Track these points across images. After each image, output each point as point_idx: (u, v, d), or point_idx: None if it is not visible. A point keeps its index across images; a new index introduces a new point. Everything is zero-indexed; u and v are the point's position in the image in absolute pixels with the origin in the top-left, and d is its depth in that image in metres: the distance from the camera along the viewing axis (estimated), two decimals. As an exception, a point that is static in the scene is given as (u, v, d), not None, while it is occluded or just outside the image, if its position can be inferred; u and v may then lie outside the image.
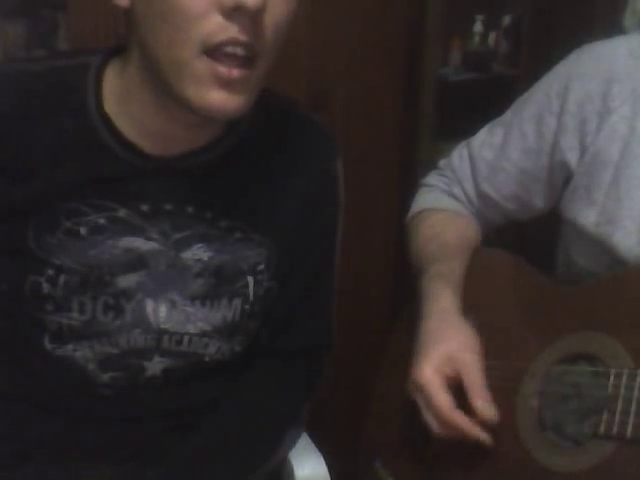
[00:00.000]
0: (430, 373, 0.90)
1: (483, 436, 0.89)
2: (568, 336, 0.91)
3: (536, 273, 1.01)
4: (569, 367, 0.90)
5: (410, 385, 0.92)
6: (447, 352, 0.91)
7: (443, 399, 0.89)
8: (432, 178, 1.15)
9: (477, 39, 2.05)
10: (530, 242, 1.17)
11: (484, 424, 0.88)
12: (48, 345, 0.88)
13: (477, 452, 0.90)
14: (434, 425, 0.90)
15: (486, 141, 1.07)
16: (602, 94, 0.93)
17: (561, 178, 0.99)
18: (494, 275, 1.04)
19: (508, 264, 1.03)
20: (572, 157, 0.96)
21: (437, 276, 1.00)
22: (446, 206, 1.11)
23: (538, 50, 1.85)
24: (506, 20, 2.05)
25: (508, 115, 1.06)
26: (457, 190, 1.11)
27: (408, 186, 1.88)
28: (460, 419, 0.88)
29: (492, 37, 2.07)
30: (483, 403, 0.88)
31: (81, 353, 0.88)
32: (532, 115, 1.00)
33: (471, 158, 1.08)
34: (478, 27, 2.04)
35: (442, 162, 1.15)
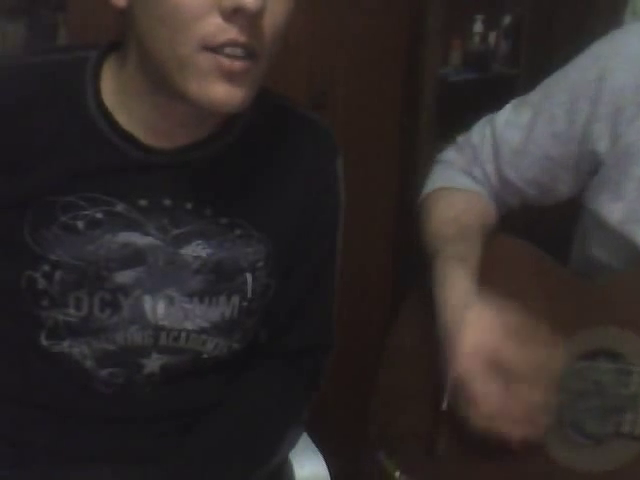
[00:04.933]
0: (468, 360, 0.85)
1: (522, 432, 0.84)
2: (588, 331, 0.87)
3: (554, 264, 0.96)
4: (590, 363, 0.87)
5: (449, 380, 0.87)
6: (474, 344, 0.86)
7: (487, 390, 0.84)
8: (450, 154, 1.08)
9: (477, 39, 2.05)
10: (541, 231, 1.13)
11: (530, 409, 0.84)
12: (44, 342, 0.88)
13: (490, 446, 0.88)
14: (477, 423, 0.85)
15: (511, 121, 1.00)
16: None
17: (589, 167, 0.94)
18: (509, 264, 0.99)
19: (524, 253, 0.99)
20: (602, 147, 0.90)
21: (452, 259, 0.94)
22: (464, 186, 1.05)
23: (538, 50, 1.85)
24: (506, 20, 2.05)
25: (537, 95, 0.99)
26: (477, 171, 1.04)
27: (408, 186, 1.89)
28: (503, 414, 0.84)
29: (492, 37, 2.07)
30: (528, 386, 0.83)
31: (78, 350, 0.88)
32: (565, 99, 0.94)
33: (494, 138, 1.02)
34: (478, 27, 2.04)
35: (461, 138, 1.08)
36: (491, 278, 0.95)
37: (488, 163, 1.03)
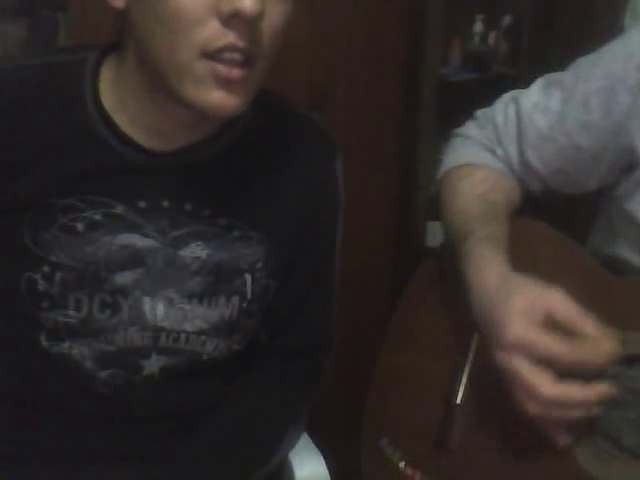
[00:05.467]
0: (521, 326, 0.77)
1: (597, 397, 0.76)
2: (621, 333, 0.80)
3: (587, 257, 0.91)
4: (626, 370, 0.81)
5: (499, 354, 0.79)
6: (528, 299, 0.78)
7: (541, 375, 0.75)
8: (470, 129, 1.02)
9: (477, 39, 2.05)
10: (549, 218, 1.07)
11: (601, 356, 0.76)
12: (44, 343, 0.88)
13: (509, 446, 0.83)
14: (531, 405, 0.77)
15: (540, 103, 0.93)
16: None
17: (623, 162, 0.87)
18: (536, 251, 0.92)
19: (554, 241, 0.93)
20: None
21: (485, 239, 0.88)
22: (488, 163, 0.99)
23: (538, 50, 1.85)
24: (506, 20, 2.05)
25: (569, 77, 0.92)
26: (499, 151, 0.98)
27: (408, 186, 1.89)
28: (562, 396, 0.76)
29: (492, 37, 2.07)
30: (594, 327, 0.76)
31: (78, 351, 0.88)
32: (601, 86, 0.87)
33: (519, 119, 0.95)
34: (478, 27, 2.04)
35: (480, 113, 1.02)
36: (514, 265, 0.87)
37: (511, 145, 0.97)
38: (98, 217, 0.85)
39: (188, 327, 0.90)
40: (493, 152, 0.99)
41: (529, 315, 0.77)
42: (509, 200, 0.96)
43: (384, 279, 1.93)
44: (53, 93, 0.86)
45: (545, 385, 0.76)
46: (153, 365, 0.91)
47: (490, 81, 2.00)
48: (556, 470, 0.84)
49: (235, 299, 0.91)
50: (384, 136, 1.86)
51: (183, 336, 0.90)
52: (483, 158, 0.99)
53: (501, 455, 0.88)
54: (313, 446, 1.07)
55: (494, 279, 0.83)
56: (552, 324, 0.77)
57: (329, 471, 1.05)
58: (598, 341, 0.76)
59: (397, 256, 1.92)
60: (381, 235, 1.91)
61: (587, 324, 0.76)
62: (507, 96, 1.00)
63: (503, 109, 0.98)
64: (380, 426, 1.04)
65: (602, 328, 0.76)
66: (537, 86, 0.96)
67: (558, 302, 0.78)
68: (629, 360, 0.81)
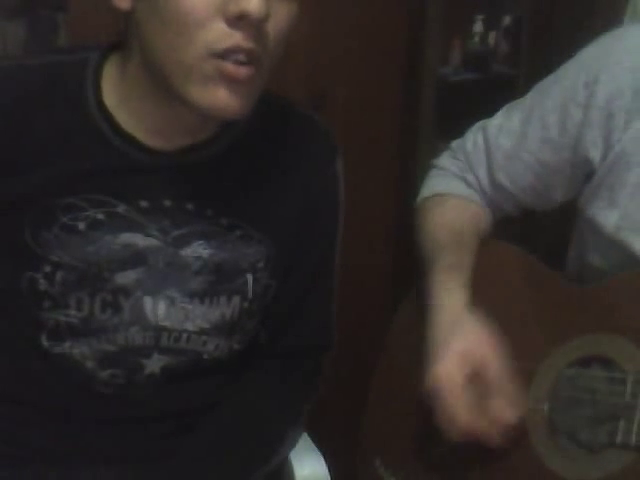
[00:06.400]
0: (448, 374, 0.87)
1: (498, 440, 0.86)
2: (581, 337, 0.87)
3: (546, 270, 0.97)
4: (583, 370, 0.87)
5: (427, 388, 0.89)
6: (463, 350, 0.88)
7: (459, 407, 0.86)
8: (444, 160, 1.09)
9: (477, 39, 2.05)
10: (537, 236, 1.13)
11: (502, 425, 0.85)
12: (45, 343, 0.88)
13: (485, 454, 0.88)
14: (451, 430, 0.87)
15: (503, 126, 1.00)
16: (634, 89, 0.86)
17: (583, 173, 0.93)
18: (502, 270, 1.00)
19: (517, 259, 0.99)
20: (596, 154, 0.90)
21: (447, 268, 0.96)
22: (459, 192, 1.05)
23: (538, 50, 1.85)
24: (506, 20, 2.05)
25: (528, 100, 0.99)
26: (470, 177, 1.04)
27: (408, 186, 1.88)
28: (476, 427, 0.86)
29: (492, 37, 2.06)
30: (504, 403, 0.86)
31: (79, 350, 0.88)
32: (556, 105, 0.94)
33: (487, 144, 1.02)
34: (478, 27, 2.04)
35: (455, 143, 1.08)
36: (482, 285, 0.96)
37: (480, 169, 1.03)
38: (100, 216, 0.85)
39: (189, 327, 0.90)
40: (464, 179, 1.05)
41: (461, 361, 0.87)
42: (475, 227, 1.02)
43: (384, 279, 1.93)
44: (54, 92, 0.86)
45: (450, 429, 0.87)
46: (154, 365, 0.91)
47: (490, 81, 2.00)
48: (525, 474, 0.88)
49: (236, 299, 0.91)
50: (384, 136, 1.86)
51: (184, 336, 0.90)
52: (453, 187, 1.05)
53: (479, 463, 0.91)
54: (313, 446, 1.07)
55: (449, 317, 0.92)
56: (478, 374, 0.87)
57: (329, 471, 1.05)
58: (499, 413, 0.86)
59: (397, 256, 1.92)
60: (381, 235, 1.91)
61: (499, 396, 0.86)
62: (476, 125, 1.06)
63: (472, 137, 1.05)
64: (374, 446, 1.06)
65: (515, 395, 0.86)
66: (501, 112, 1.03)
67: (489, 358, 0.87)
68: (587, 360, 0.87)
